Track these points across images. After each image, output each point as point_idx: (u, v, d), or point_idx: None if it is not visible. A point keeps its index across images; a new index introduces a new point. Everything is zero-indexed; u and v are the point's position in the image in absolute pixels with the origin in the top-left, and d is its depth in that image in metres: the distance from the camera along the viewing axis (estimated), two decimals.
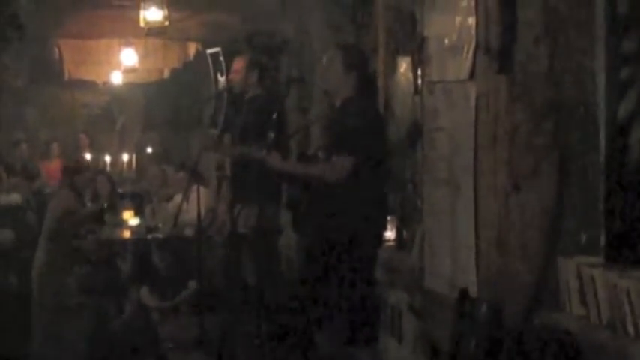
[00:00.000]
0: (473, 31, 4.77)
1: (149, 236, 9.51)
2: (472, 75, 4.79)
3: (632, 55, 3.84)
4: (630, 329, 3.53)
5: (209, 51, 10.63)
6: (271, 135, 5.74)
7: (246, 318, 6.84)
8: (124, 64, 12.94)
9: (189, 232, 8.85)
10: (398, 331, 5.96)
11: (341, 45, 6.12)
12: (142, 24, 10.19)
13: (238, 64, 7.49)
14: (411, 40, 6.03)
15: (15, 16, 9.19)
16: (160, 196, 10.64)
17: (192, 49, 12.78)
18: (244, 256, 7.17)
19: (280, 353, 6.40)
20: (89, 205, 9.31)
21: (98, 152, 12.82)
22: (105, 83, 15.01)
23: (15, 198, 9.55)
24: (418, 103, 5.83)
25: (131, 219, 10.07)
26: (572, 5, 4.13)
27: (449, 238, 5.10)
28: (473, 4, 4.77)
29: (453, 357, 4.65)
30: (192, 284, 8.20)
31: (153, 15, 10.09)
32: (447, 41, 5.17)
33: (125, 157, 13.38)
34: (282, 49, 9.23)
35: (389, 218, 6.00)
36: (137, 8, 10.11)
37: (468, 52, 4.83)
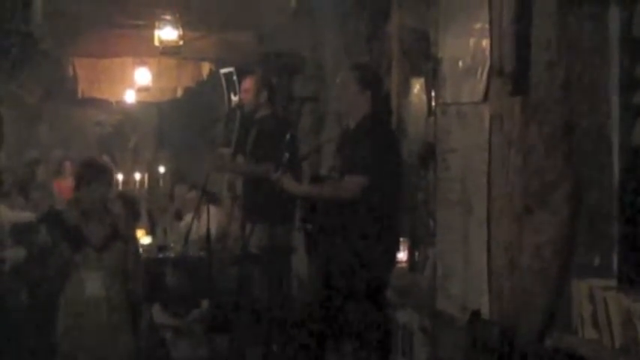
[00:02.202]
0: (487, 53, 4.78)
1: (160, 255, 9.53)
2: (486, 97, 4.80)
3: None
4: None
5: (222, 71, 10.63)
6: (286, 156, 5.74)
7: (256, 338, 6.83)
8: (137, 82, 12.91)
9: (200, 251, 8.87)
10: (409, 353, 5.94)
11: (355, 65, 6.12)
12: (156, 43, 10.20)
13: (248, 83, 7.48)
14: (425, 62, 6.04)
15: (30, 34, 9.22)
16: (167, 214, 10.67)
17: (206, 68, 12.76)
18: (256, 276, 7.15)
19: None
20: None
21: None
22: (118, 102, 14.98)
23: (28, 216, 9.55)
24: (431, 124, 5.84)
25: (143, 237, 10.10)
26: (587, 28, 4.12)
27: (461, 260, 5.09)
28: (487, 26, 4.78)
29: None
30: (205, 303, 8.19)
31: (167, 34, 10.11)
32: (461, 63, 5.18)
33: (137, 176, 13.38)
34: (297, 69, 9.23)
35: (401, 239, 5.99)
36: (152, 27, 10.13)
37: (482, 74, 4.83)
